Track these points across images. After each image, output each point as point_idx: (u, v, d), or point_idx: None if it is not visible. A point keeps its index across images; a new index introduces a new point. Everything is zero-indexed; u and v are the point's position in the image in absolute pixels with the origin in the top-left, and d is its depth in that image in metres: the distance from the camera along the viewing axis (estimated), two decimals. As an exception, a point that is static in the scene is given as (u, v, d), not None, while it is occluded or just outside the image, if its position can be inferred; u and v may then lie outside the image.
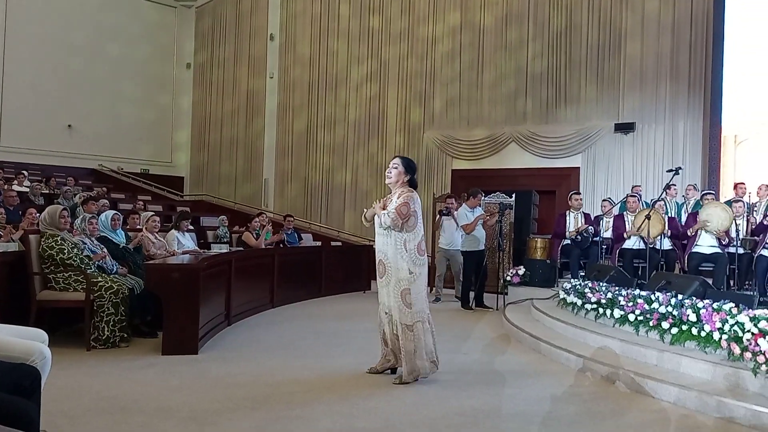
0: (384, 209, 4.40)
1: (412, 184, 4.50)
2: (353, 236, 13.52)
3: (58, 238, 5.22)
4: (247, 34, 16.22)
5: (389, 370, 4.51)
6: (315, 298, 9.24)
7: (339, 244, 11.59)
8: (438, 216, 9.28)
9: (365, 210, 4.66)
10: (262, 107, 15.94)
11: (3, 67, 14.38)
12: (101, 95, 15.76)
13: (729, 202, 7.69)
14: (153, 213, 7.68)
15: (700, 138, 10.90)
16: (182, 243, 7.41)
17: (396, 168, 4.46)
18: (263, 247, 8.77)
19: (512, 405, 3.90)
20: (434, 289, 9.18)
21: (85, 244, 5.61)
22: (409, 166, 4.51)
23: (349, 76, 14.59)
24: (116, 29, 16.07)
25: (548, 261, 9.11)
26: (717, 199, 8.46)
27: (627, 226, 7.95)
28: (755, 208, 8.02)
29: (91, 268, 5.39)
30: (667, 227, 7.70)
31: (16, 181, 11.03)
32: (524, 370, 4.89)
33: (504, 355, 5.55)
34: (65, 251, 5.20)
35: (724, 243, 7.25)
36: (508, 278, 9.09)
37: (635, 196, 8.36)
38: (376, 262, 4.45)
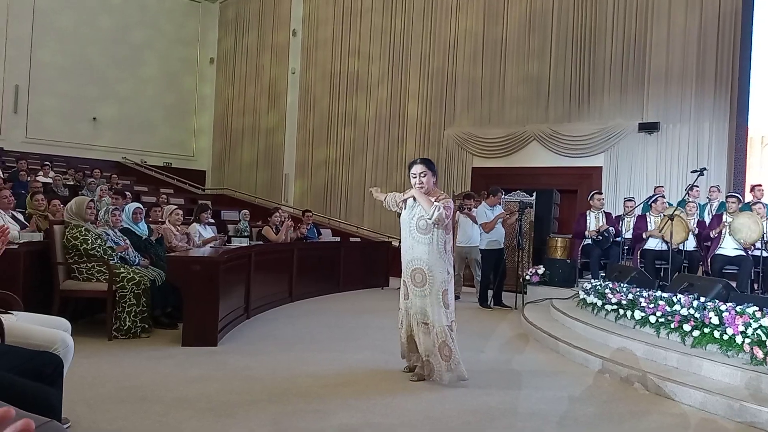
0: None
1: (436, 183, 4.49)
2: (372, 232, 13.54)
3: (82, 229, 5.30)
4: (270, 26, 16.30)
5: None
6: (333, 293, 9.28)
7: (358, 240, 11.61)
8: (456, 212, 9.25)
9: (377, 190, 4.71)
10: (282, 101, 16.02)
11: (30, 59, 14.62)
12: (126, 88, 15.97)
13: (748, 205, 7.57)
14: (176, 206, 7.76)
15: (725, 139, 10.73)
16: (203, 236, 7.49)
17: (425, 175, 4.34)
18: (282, 241, 8.81)
19: (529, 404, 3.88)
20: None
21: (108, 235, 5.69)
22: (433, 167, 4.44)
23: (370, 71, 14.59)
24: (141, 24, 16.25)
25: (568, 261, 9.03)
26: (742, 200, 8.31)
27: (649, 227, 7.85)
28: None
29: (113, 259, 5.46)
30: (694, 229, 7.61)
31: (41, 172, 11.20)
32: (542, 370, 4.86)
33: (522, 354, 5.52)
34: (89, 242, 5.28)
35: (750, 249, 7.13)
36: (528, 277, 9.03)
37: (664, 197, 8.25)
38: (411, 270, 4.30)
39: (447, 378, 4.18)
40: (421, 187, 4.34)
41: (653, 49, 11.34)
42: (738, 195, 8.23)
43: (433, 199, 4.28)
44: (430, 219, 4.20)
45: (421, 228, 4.27)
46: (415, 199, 4.37)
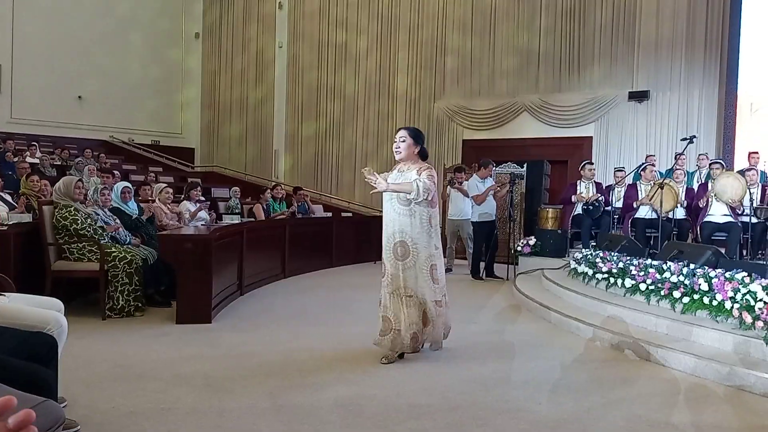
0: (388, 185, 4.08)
1: (423, 154, 4.25)
2: (364, 207, 13.53)
3: (72, 209, 5.26)
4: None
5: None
6: (326, 268, 9.30)
7: (350, 214, 11.60)
8: (447, 186, 9.27)
9: (369, 171, 4.17)
10: (270, 74, 15.81)
11: (12, 38, 14.34)
12: (111, 65, 15.68)
13: (742, 171, 7.61)
14: (165, 185, 7.72)
15: (715, 106, 10.74)
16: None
17: (404, 141, 4.15)
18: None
19: (522, 373, 3.93)
20: (446, 259, 9.23)
21: (98, 215, 5.66)
22: (418, 136, 4.21)
23: (358, 43, 14.42)
24: (123, 1, 15.94)
25: (559, 231, 9.08)
26: (730, 167, 8.37)
27: (640, 196, 7.89)
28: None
29: (104, 239, 5.43)
30: (683, 198, 7.66)
31: (28, 153, 11.08)
32: (534, 339, 4.91)
33: (514, 324, 5.57)
34: (78, 222, 5.25)
35: (738, 212, 7.19)
36: (519, 248, 9.09)
37: (653, 165, 8.28)
38: (393, 244, 4.10)
39: (430, 341, 4.29)
40: (399, 152, 4.19)
41: (643, 17, 11.26)
42: (722, 161, 8.28)
43: (415, 170, 4.08)
44: (417, 197, 3.98)
45: (401, 200, 4.08)
46: (399, 172, 4.23)
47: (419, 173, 4.07)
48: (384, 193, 4.18)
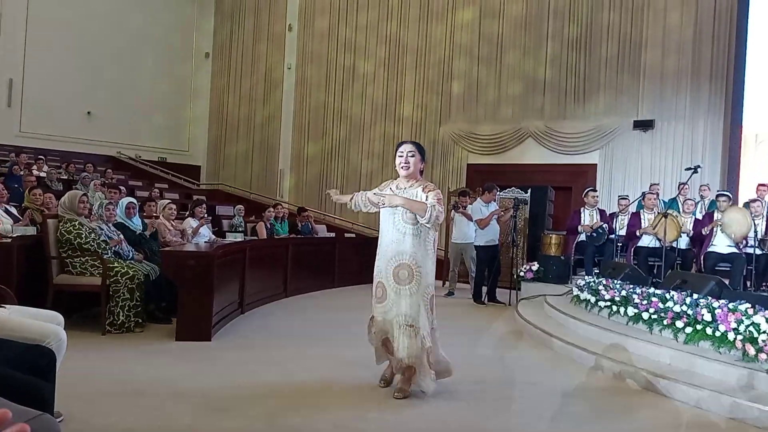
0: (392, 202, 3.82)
1: (421, 171, 4.05)
2: (367, 228, 13.53)
3: (76, 223, 5.28)
4: (266, 18, 16.19)
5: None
6: (328, 288, 9.27)
7: (353, 235, 11.60)
8: (452, 210, 9.28)
9: (336, 192, 4.31)
10: (278, 94, 15.92)
11: (24, 52, 14.49)
12: (120, 82, 15.81)
13: (747, 203, 7.61)
14: (169, 201, 7.75)
15: (720, 136, 10.76)
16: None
17: (413, 156, 3.90)
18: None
19: (522, 400, 3.89)
20: (448, 283, 9.24)
21: (102, 229, 5.67)
22: (423, 152, 3.99)
23: (365, 67, 14.55)
24: (136, 15, 16.12)
25: (562, 257, 9.05)
26: (735, 199, 8.37)
27: (643, 224, 7.89)
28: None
29: (107, 254, 5.44)
30: (690, 229, 7.65)
31: (35, 167, 11.15)
32: (535, 366, 4.87)
33: (515, 350, 5.53)
34: (82, 236, 5.26)
35: (741, 246, 7.18)
36: (522, 274, 9.06)
37: (654, 194, 8.29)
38: (395, 267, 3.78)
39: (432, 387, 3.78)
40: (407, 167, 3.90)
41: (648, 47, 11.35)
42: (728, 193, 8.28)
43: (420, 188, 3.85)
44: (428, 222, 3.72)
45: (409, 218, 3.77)
46: (398, 187, 3.96)
47: (425, 191, 3.82)
48: (383, 211, 3.93)
